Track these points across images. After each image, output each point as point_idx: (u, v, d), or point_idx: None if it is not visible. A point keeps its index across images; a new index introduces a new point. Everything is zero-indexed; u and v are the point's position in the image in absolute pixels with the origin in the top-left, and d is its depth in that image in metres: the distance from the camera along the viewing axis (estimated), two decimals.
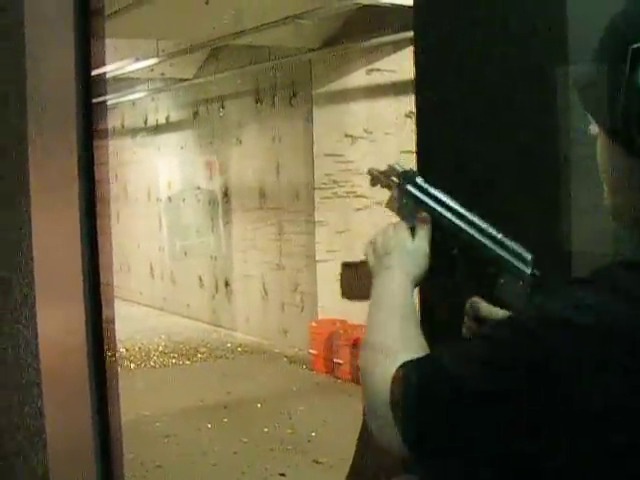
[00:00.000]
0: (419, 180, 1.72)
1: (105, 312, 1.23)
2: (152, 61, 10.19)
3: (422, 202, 1.68)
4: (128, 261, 14.85)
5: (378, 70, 8.89)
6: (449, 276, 1.64)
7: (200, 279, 12.65)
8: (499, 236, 1.58)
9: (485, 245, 1.57)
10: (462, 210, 1.63)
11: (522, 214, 2.04)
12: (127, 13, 8.07)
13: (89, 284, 1.21)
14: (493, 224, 1.59)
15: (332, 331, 9.28)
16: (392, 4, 7.32)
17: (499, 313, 1.55)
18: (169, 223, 13.09)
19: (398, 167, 1.77)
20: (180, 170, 12.96)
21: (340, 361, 9.06)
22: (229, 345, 10.96)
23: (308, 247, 10.07)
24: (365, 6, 7.99)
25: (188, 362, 10.33)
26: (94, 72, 1.22)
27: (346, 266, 1.91)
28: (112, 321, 1.28)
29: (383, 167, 1.81)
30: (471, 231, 1.59)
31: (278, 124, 10.58)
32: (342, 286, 1.94)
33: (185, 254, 12.86)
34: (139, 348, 10.95)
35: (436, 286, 1.73)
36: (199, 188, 12.43)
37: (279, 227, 10.73)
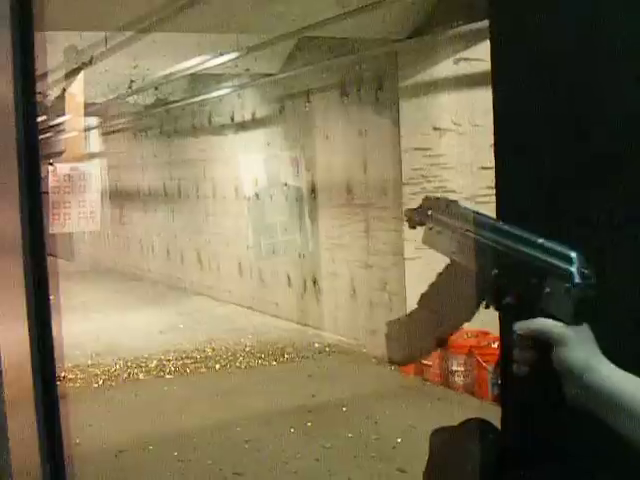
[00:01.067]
0: (453, 207, 1.62)
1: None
2: (233, 55, 10.03)
3: (456, 228, 1.57)
4: (217, 259, 14.78)
5: (466, 59, 8.54)
6: (497, 305, 1.47)
7: (288, 277, 12.47)
8: (539, 240, 1.40)
9: (523, 251, 1.41)
10: (496, 223, 1.50)
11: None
12: (208, 5, 7.90)
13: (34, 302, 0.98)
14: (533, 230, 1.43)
15: None
16: None
17: (549, 324, 1.35)
18: (256, 221, 12.91)
19: (431, 200, 1.67)
20: (267, 167, 12.78)
21: (429, 363, 8.74)
22: (317, 345, 10.74)
23: (396, 245, 9.76)
24: None
25: (274, 363, 10.13)
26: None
27: (391, 323, 1.77)
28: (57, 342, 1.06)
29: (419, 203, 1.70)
30: (506, 241, 1.44)
31: (364, 118, 10.31)
32: (389, 348, 1.81)
33: (273, 252, 12.67)
34: (225, 348, 10.81)
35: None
36: (286, 185, 12.22)
37: (366, 224, 10.45)
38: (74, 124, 9.81)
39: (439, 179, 9.04)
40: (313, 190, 11.61)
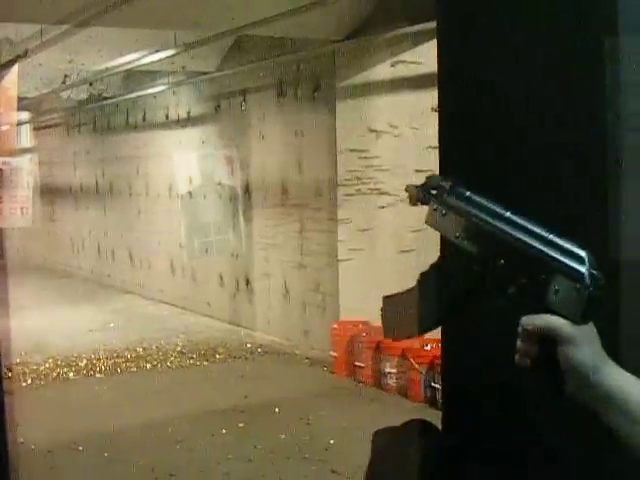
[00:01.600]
0: (459, 189, 1.57)
1: None
2: (170, 52, 9.96)
3: (463, 212, 1.52)
4: (149, 258, 14.65)
5: (403, 62, 8.56)
6: (499, 294, 1.45)
7: (221, 277, 12.40)
8: (549, 236, 1.39)
9: (533, 246, 1.39)
10: (508, 214, 1.46)
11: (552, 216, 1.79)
12: (146, 2, 7.83)
13: None
14: (544, 225, 1.41)
15: (354, 333, 8.98)
16: None
17: (559, 322, 1.34)
18: (189, 219, 12.82)
19: (435, 178, 1.62)
20: (201, 165, 12.70)
21: (362, 364, 8.75)
22: (249, 346, 10.69)
23: (330, 245, 9.76)
24: None
25: (206, 363, 10.07)
26: None
27: (388, 299, 1.73)
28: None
29: (420, 181, 1.66)
30: (517, 234, 1.42)
31: (301, 118, 10.29)
32: (385, 324, 1.77)
33: (206, 251, 12.59)
34: (157, 348, 10.71)
35: (486, 307, 1.54)
36: (220, 184, 12.15)
37: (301, 225, 10.43)
38: (6, 118, 9.64)
39: (374, 181, 9.06)
40: (247, 190, 11.56)
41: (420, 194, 1.63)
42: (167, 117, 13.69)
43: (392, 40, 8.58)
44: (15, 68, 8.67)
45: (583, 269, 1.33)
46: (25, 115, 17.35)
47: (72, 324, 12.39)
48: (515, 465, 2.01)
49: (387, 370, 8.40)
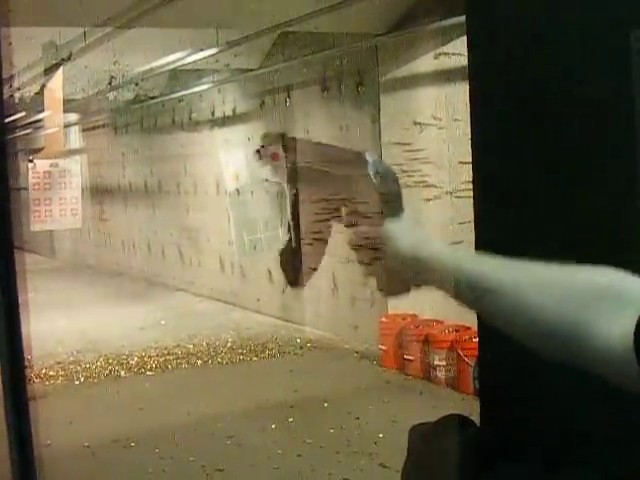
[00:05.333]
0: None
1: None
2: (213, 51, 10.01)
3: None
4: (198, 255, 14.75)
5: (446, 54, 8.53)
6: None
7: (269, 273, 12.44)
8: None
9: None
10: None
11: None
12: (186, 2, 7.88)
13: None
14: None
15: (402, 326, 8.98)
16: None
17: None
18: (238, 216, 12.88)
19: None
20: (247, 162, 12.75)
21: (410, 357, 8.74)
22: (298, 341, 10.73)
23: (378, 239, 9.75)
24: None
25: (256, 358, 10.12)
26: None
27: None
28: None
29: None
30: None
31: (345, 113, 10.29)
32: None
33: (254, 248, 12.64)
34: (207, 344, 10.79)
35: None
36: (267, 180, 12.19)
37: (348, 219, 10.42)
38: (53, 120, 9.76)
39: (419, 173, 9.04)
40: (294, 185, 11.58)
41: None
42: (213, 115, 13.76)
43: (434, 32, 8.55)
44: (60, 71, 8.77)
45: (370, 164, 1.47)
46: (73, 117, 17.54)
47: (123, 322, 12.51)
48: (553, 464, 2.00)
49: (436, 363, 8.38)
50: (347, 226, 1.52)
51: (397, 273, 1.53)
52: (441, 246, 1.42)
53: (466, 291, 1.31)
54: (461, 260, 1.36)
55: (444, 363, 8.32)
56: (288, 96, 11.48)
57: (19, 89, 11.26)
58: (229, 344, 10.78)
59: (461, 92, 8.25)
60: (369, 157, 1.46)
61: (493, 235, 1.81)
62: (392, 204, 1.47)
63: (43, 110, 9.85)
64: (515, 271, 1.26)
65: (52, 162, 9.64)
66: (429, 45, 8.75)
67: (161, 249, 16.35)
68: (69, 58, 9.08)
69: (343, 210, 1.54)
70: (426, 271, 1.39)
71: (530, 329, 1.22)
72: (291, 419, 7.62)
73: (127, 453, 6.96)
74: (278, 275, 12.22)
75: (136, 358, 10.16)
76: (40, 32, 8.81)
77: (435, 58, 8.73)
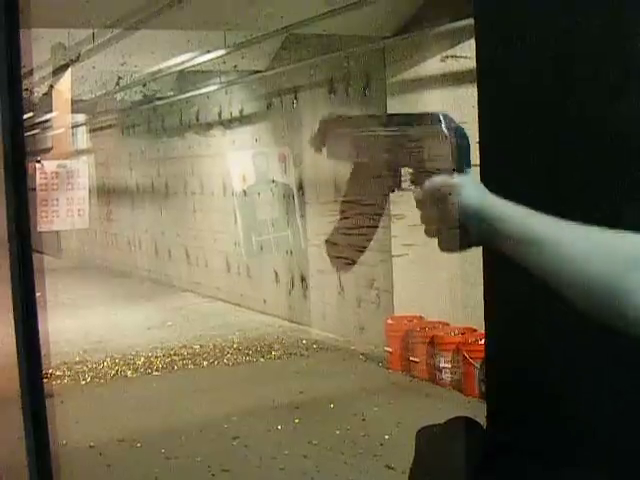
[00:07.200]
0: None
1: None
2: (221, 52, 10.03)
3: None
4: (205, 256, 14.76)
5: (453, 57, 8.54)
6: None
7: (276, 274, 12.46)
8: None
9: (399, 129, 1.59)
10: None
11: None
12: (195, 3, 7.89)
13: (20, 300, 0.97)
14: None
15: (408, 328, 8.99)
16: None
17: (444, 177, 1.53)
18: (244, 217, 12.91)
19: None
20: (255, 163, 12.77)
21: (416, 359, 8.75)
22: (304, 342, 10.74)
23: (384, 241, 9.76)
24: None
25: (262, 359, 10.13)
26: None
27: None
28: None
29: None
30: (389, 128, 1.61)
31: (352, 115, 10.29)
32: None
33: (261, 249, 12.66)
34: (213, 345, 10.80)
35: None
36: (274, 181, 12.22)
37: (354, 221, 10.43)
38: (61, 121, 9.79)
39: None
40: (301, 186, 11.61)
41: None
42: (220, 116, 13.77)
43: (442, 35, 8.56)
44: (68, 72, 8.79)
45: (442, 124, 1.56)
46: (81, 117, 17.57)
47: (130, 322, 12.54)
48: (562, 464, 2.00)
49: (442, 365, 8.39)
50: (414, 183, 1.59)
51: (461, 226, 1.58)
52: (501, 200, 1.50)
53: (522, 241, 1.39)
54: (519, 212, 1.44)
55: (450, 365, 8.33)
56: (295, 98, 11.49)
57: (27, 90, 11.28)
58: (235, 345, 10.79)
59: (468, 95, 8.26)
60: (441, 115, 1.57)
61: None
62: (462, 159, 1.54)
63: (51, 111, 9.87)
64: (564, 225, 1.35)
65: (60, 163, 9.64)
66: (436, 48, 8.76)
67: (168, 250, 16.37)
68: (77, 59, 9.10)
69: (404, 172, 1.52)
70: (489, 221, 1.45)
71: (574, 279, 1.28)
72: (297, 420, 7.63)
73: (133, 453, 6.98)
74: (284, 276, 12.24)
75: (143, 358, 10.18)
76: (48, 33, 8.83)
77: (442, 61, 8.74)
